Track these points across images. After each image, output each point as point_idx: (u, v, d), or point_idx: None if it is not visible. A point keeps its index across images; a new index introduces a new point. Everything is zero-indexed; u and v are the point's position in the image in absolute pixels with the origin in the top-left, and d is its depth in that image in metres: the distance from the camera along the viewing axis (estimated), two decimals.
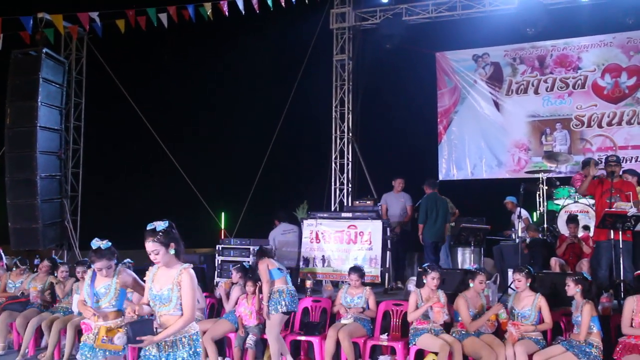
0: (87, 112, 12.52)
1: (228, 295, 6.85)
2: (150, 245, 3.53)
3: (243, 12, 10.53)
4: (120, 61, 12.54)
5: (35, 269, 8.21)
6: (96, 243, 4.15)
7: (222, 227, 12.84)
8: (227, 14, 10.76)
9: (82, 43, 12.51)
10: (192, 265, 3.65)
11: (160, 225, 3.55)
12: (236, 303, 6.60)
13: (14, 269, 7.90)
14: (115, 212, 12.64)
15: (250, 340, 6.30)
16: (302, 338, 6.56)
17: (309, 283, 7.64)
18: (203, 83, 13.51)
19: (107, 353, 4.06)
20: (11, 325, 7.25)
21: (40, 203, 10.49)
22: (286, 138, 12.37)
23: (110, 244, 4.18)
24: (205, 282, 8.30)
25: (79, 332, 6.84)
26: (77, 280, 6.98)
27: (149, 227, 3.56)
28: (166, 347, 3.58)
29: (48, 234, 10.78)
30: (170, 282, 3.57)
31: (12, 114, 10.66)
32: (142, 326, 3.53)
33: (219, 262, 8.32)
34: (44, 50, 10.70)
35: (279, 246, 9.03)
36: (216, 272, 8.31)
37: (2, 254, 8.50)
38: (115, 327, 4.01)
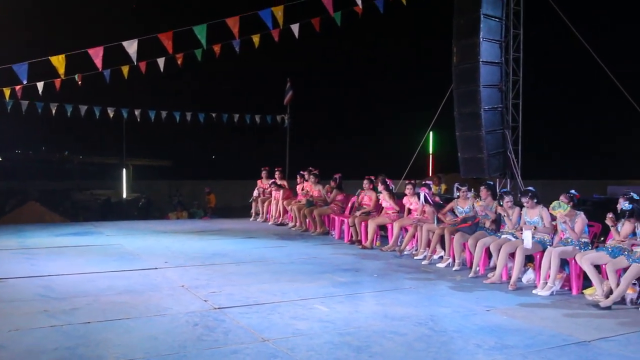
0: (525, 43, 12.47)
1: None
2: None
3: None
4: None
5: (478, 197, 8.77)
6: None
7: None
8: None
9: None
10: None
11: None
12: None
13: (459, 194, 8.62)
14: (552, 140, 12.52)
15: None
16: None
17: None
18: None
19: None
20: (464, 245, 8.02)
21: (484, 134, 11.20)
22: None
23: None
24: None
25: (528, 257, 7.13)
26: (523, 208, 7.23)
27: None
28: None
29: (492, 164, 11.47)
30: None
31: (457, 52, 11.55)
32: None
33: None
34: None
35: None
36: None
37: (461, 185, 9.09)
38: None
